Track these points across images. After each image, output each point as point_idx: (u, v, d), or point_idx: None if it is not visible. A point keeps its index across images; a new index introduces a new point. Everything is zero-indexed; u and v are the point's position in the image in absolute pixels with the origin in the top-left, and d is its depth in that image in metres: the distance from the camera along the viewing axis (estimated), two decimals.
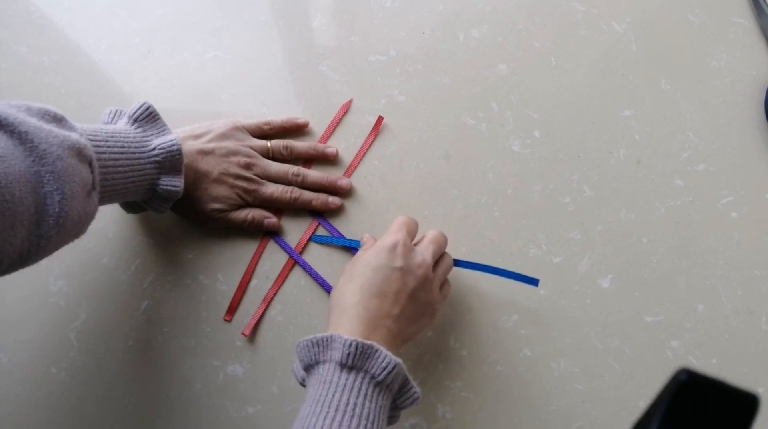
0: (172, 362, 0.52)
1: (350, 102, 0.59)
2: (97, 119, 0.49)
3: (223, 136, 0.53)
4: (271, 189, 0.54)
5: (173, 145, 0.47)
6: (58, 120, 0.40)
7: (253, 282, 0.54)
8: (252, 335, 0.53)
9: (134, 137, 0.46)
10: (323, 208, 0.55)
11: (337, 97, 0.59)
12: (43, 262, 0.40)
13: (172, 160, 0.47)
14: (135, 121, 0.47)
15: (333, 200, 0.55)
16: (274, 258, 0.55)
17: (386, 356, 0.40)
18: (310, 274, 0.54)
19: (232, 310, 0.53)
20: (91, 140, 0.42)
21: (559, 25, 0.61)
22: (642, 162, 0.56)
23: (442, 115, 0.58)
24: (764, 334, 0.52)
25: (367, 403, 0.38)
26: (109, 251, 0.55)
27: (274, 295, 0.54)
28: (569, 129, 0.57)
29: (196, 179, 0.51)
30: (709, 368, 0.51)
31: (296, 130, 0.58)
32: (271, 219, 0.54)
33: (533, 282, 0.51)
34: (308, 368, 0.41)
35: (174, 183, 0.48)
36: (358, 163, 0.57)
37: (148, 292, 0.54)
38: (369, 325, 0.42)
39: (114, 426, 0.51)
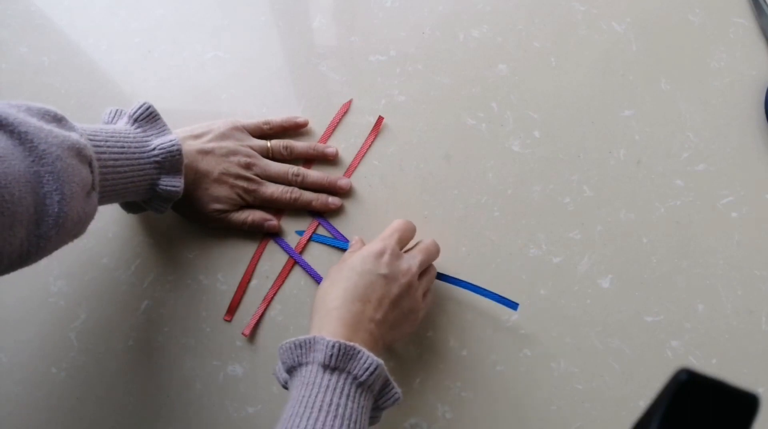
0: (172, 362, 0.52)
1: (350, 102, 0.59)
2: (97, 119, 0.49)
3: (223, 136, 0.53)
4: (271, 189, 0.54)
5: (173, 145, 0.47)
6: (58, 120, 0.40)
7: (253, 282, 0.54)
8: (252, 335, 0.53)
9: (134, 137, 0.46)
10: (323, 208, 0.55)
11: (337, 97, 0.59)
12: (43, 262, 0.40)
13: (172, 160, 0.47)
14: (135, 120, 0.47)
15: (333, 200, 0.55)
16: (274, 258, 0.55)
17: (368, 357, 0.40)
18: (310, 275, 0.54)
19: (232, 310, 0.53)
20: (90, 140, 0.42)
21: (559, 25, 0.61)
22: (642, 162, 0.56)
23: (442, 115, 0.58)
24: (764, 334, 0.52)
25: (349, 404, 0.39)
26: (109, 251, 0.55)
27: (274, 295, 0.54)
28: (569, 129, 0.57)
29: (196, 179, 0.51)
30: (709, 368, 0.51)
31: (296, 129, 0.58)
32: (272, 221, 0.54)
33: (513, 306, 0.51)
34: (291, 370, 0.42)
35: (174, 183, 0.48)
36: (358, 163, 0.57)
37: (148, 292, 0.54)
38: (351, 327, 0.42)
39: (114, 426, 0.51)
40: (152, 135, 0.47)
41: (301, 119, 0.57)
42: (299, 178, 0.55)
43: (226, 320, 0.53)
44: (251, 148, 0.54)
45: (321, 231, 0.55)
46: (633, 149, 0.56)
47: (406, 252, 0.49)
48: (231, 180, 0.52)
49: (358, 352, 0.40)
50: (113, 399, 0.52)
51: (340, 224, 0.55)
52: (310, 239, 0.55)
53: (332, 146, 0.57)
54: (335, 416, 0.38)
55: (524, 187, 0.56)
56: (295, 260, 0.54)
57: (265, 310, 0.53)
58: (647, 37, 0.60)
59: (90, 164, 0.40)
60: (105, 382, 0.52)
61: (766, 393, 0.51)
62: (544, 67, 0.59)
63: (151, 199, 0.48)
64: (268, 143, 0.55)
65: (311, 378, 0.39)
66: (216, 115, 0.57)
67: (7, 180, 0.34)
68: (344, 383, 0.39)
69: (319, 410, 0.38)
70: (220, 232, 0.55)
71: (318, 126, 0.58)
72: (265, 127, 0.56)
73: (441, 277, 0.52)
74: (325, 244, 0.55)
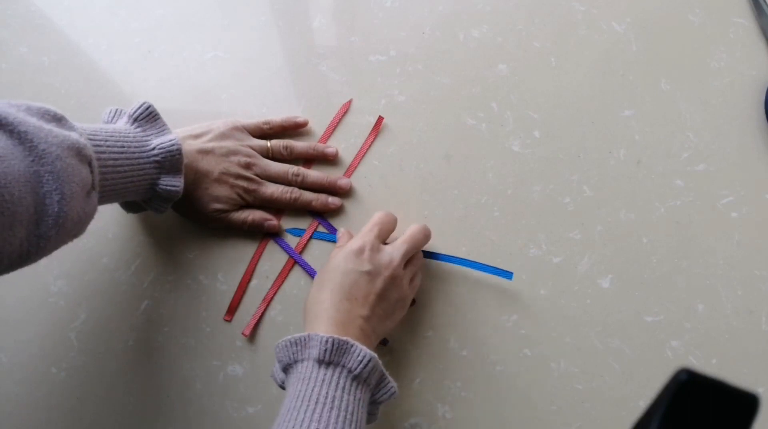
0: (172, 362, 0.52)
1: (350, 102, 0.59)
2: (97, 119, 0.49)
3: (223, 136, 0.53)
4: (271, 189, 0.54)
5: (173, 144, 0.47)
6: (58, 119, 0.40)
7: (253, 282, 0.54)
8: (252, 335, 0.53)
9: (134, 137, 0.46)
10: (323, 208, 0.55)
11: (337, 97, 0.59)
12: (43, 262, 0.40)
13: (171, 160, 0.47)
14: (135, 120, 0.47)
15: (333, 200, 0.55)
16: (274, 258, 0.55)
17: (362, 350, 0.41)
18: (310, 274, 0.54)
19: (232, 310, 0.53)
20: (90, 140, 0.42)
21: (559, 25, 0.61)
22: (642, 162, 0.56)
23: (442, 115, 0.58)
24: (764, 334, 0.51)
25: (345, 396, 0.40)
26: (109, 251, 0.55)
27: (274, 295, 0.54)
28: (569, 129, 0.57)
29: (196, 179, 0.51)
30: (709, 368, 0.51)
31: (295, 128, 0.58)
32: (272, 221, 0.54)
33: (507, 275, 0.51)
34: (287, 369, 0.43)
35: (174, 183, 0.48)
36: (358, 163, 0.57)
37: (148, 292, 0.54)
38: (342, 326, 0.43)
39: (114, 426, 0.51)
40: (152, 135, 0.47)
41: (301, 119, 0.57)
42: (299, 178, 0.55)
43: (226, 320, 0.53)
44: (251, 148, 0.54)
45: (321, 230, 0.55)
46: (633, 149, 0.56)
47: (392, 243, 0.49)
48: (231, 180, 0.52)
49: (352, 345, 0.41)
50: (113, 399, 0.52)
51: (340, 224, 0.55)
52: (310, 239, 0.55)
53: (332, 146, 0.57)
54: (332, 408, 0.38)
55: (524, 187, 0.56)
56: (295, 260, 0.54)
57: (265, 310, 0.53)
58: (647, 37, 0.60)
59: (90, 164, 0.40)
60: (105, 382, 0.52)
61: (766, 393, 0.51)
62: (544, 67, 0.59)
63: (151, 199, 0.48)
64: (268, 143, 0.55)
65: (307, 373, 0.40)
66: (216, 115, 0.57)
67: (6, 180, 0.34)
68: (339, 377, 0.40)
69: (316, 403, 0.38)
70: (220, 232, 0.55)
71: (318, 126, 0.58)
72: (265, 127, 0.56)
73: (430, 255, 0.52)
74: (325, 240, 0.55)
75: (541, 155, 0.57)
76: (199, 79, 0.60)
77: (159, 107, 0.49)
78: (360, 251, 0.46)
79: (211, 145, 0.52)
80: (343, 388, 0.40)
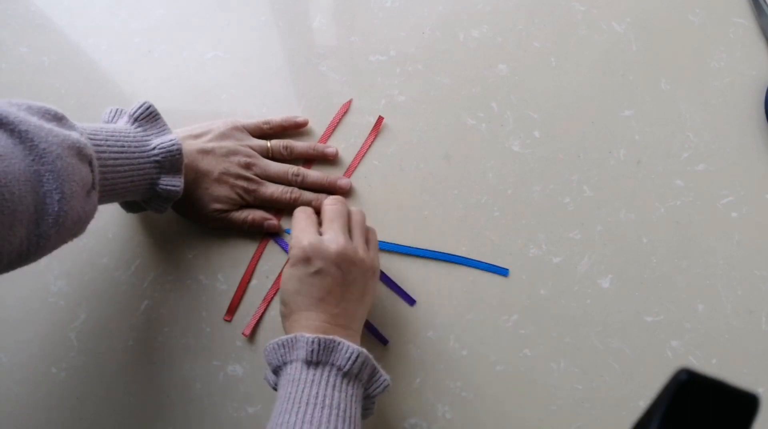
0: (172, 362, 0.52)
1: (350, 102, 0.59)
2: (97, 119, 0.49)
3: (223, 136, 0.53)
4: (271, 189, 0.54)
5: (173, 144, 0.47)
6: (59, 119, 0.40)
7: (253, 282, 0.54)
8: (252, 335, 0.53)
9: (134, 136, 0.46)
10: None
11: (337, 97, 0.59)
12: (43, 262, 0.40)
13: (172, 160, 0.47)
14: (135, 120, 0.47)
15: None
16: (274, 258, 0.55)
17: (349, 347, 0.41)
18: None
19: (232, 310, 0.53)
20: (91, 139, 0.42)
21: (559, 25, 0.61)
22: (642, 162, 0.56)
23: (442, 115, 0.58)
24: (764, 334, 0.52)
25: (336, 394, 0.40)
26: (108, 251, 0.55)
27: (274, 294, 0.53)
28: (569, 129, 0.57)
29: (196, 179, 0.51)
30: (709, 368, 0.51)
31: (295, 128, 0.58)
32: (272, 221, 0.54)
33: (503, 271, 0.52)
34: (277, 371, 0.43)
35: (174, 183, 0.48)
36: (358, 163, 0.57)
37: (148, 292, 0.54)
38: (324, 323, 0.43)
39: (114, 426, 0.51)
40: (152, 134, 0.47)
41: (300, 119, 0.57)
42: (299, 178, 0.55)
43: (226, 320, 0.53)
44: (251, 148, 0.54)
45: None
46: (633, 149, 0.56)
47: (324, 228, 0.48)
48: (231, 180, 0.52)
49: (338, 343, 0.41)
50: (113, 399, 0.52)
51: None
52: None
53: (332, 146, 0.57)
54: (323, 407, 0.38)
55: (524, 187, 0.56)
56: None
57: (265, 310, 0.53)
58: (647, 37, 0.60)
59: (90, 163, 0.40)
60: (105, 382, 0.52)
61: (766, 393, 0.51)
62: (544, 67, 0.59)
63: (151, 199, 0.48)
64: (268, 143, 0.55)
65: (296, 375, 0.40)
66: (216, 115, 0.57)
67: (6, 179, 0.34)
68: (329, 375, 0.40)
69: (306, 404, 0.39)
70: (220, 232, 0.55)
71: (318, 126, 0.58)
72: (265, 126, 0.56)
73: (428, 254, 0.53)
74: None
75: (541, 155, 0.57)
76: (199, 79, 0.60)
77: (159, 107, 0.49)
78: (303, 257, 0.45)
79: (211, 145, 0.52)
80: (334, 386, 0.40)
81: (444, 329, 0.52)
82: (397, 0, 0.62)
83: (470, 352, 0.52)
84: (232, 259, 0.54)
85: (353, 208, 0.50)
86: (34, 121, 0.37)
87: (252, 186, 0.53)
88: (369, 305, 0.47)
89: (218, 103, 0.59)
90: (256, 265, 0.54)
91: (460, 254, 0.54)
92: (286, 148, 0.56)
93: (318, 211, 0.55)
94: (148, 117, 0.48)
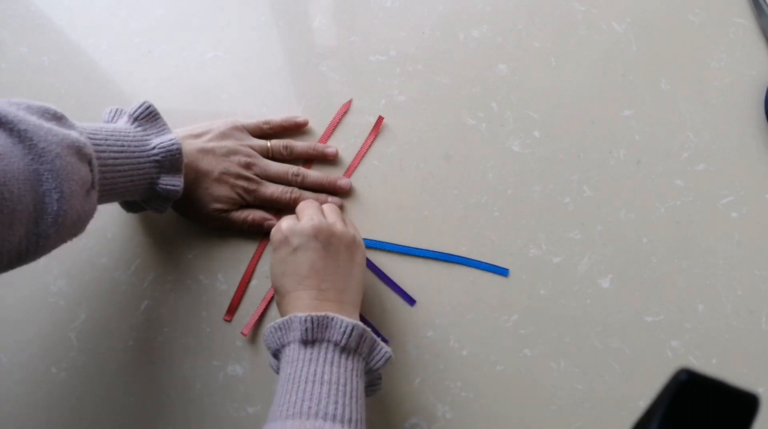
0: (172, 362, 0.52)
1: (350, 102, 0.59)
2: (97, 119, 0.49)
3: (223, 136, 0.53)
4: (271, 189, 0.54)
5: (173, 144, 0.47)
6: (58, 118, 0.40)
7: (253, 282, 0.54)
8: (252, 335, 0.53)
9: (134, 136, 0.46)
10: None
11: (337, 97, 0.59)
12: (43, 262, 0.40)
13: (171, 160, 0.47)
14: (135, 119, 0.47)
15: (333, 201, 0.55)
16: None
17: (343, 321, 0.41)
18: None
19: (232, 310, 0.53)
20: (90, 139, 0.42)
21: (559, 25, 0.61)
22: (642, 162, 0.56)
23: (442, 115, 0.58)
24: (764, 334, 0.51)
25: (334, 369, 0.40)
26: (108, 251, 0.55)
27: (274, 294, 0.53)
28: (569, 129, 0.57)
29: (197, 178, 0.51)
30: (709, 368, 0.51)
31: (295, 128, 0.58)
32: (272, 221, 0.54)
33: (503, 271, 0.52)
34: (276, 354, 0.43)
35: (174, 182, 0.48)
36: (358, 163, 0.57)
37: (148, 292, 0.54)
38: (315, 300, 0.44)
39: (114, 426, 0.51)
40: (152, 134, 0.47)
41: (300, 119, 0.57)
42: (299, 178, 0.55)
43: (226, 320, 0.53)
44: (251, 147, 0.54)
45: None
46: (633, 149, 0.56)
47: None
48: (231, 180, 0.52)
49: (332, 319, 0.41)
50: (113, 399, 0.52)
51: None
52: None
53: (332, 146, 0.57)
54: (321, 383, 0.39)
55: (524, 187, 0.56)
56: None
57: (265, 309, 0.53)
58: (647, 37, 0.60)
59: (89, 163, 0.40)
60: (105, 382, 0.52)
61: (766, 393, 0.51)
62: (544, 67, 0.59)
63: (150, 199, 0.48)
64: (268, 143, 0.55)
65: (294, 355, 0.41)
66: (216, 115, 0.57)
67: (6, 178, 0.34)
68: (326, 352, 0.41)
69: (306, 382, 0.39)
70: (220, 232, 0.55)
71: (318, 126, 0.58)
72: (265, 126, 0.56)
73: (428, 254, 0.52)
74: None
75: (541, 155, 0.57)
76: (199, 79, 0.60)
77: (159, 107, 0.49)
78: (283, 240, 0.46)
79: (211, 144, 0.52)
80: (332, 361, 0.40)
81: (444, 329, 0.52)
82: (397, 0, 0.62)
83: (470, 352, 0.52)
84: (232, 259, 0.54)
85: (332, 198, 0.54)
86: (34, 120, 0.37)
87: (252, 186, 0.53)
88: (361, 279, 0.47)
89: (218, 103, 0.59)
90: (256, 265, 0.54)
91: (460, 254, 0.54)
92: (286, 147, 0.56)
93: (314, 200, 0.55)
94: (148, 116, 0.48)
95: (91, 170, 0.41)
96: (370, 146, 0.57)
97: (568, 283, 0.53)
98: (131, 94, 0.60)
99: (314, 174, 0.55)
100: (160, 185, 0.47)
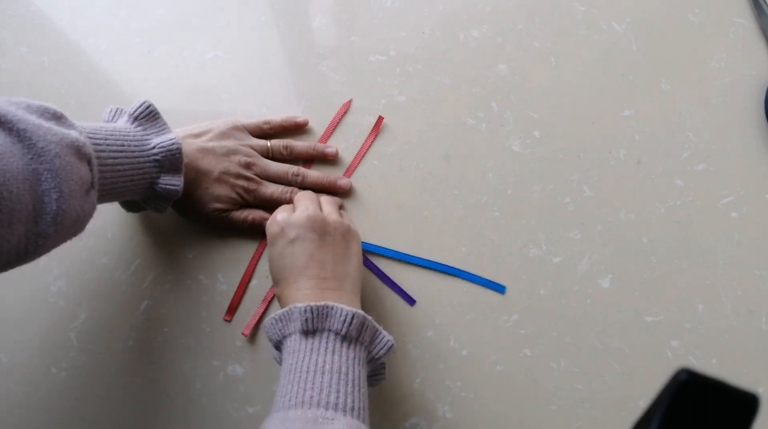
0: (172, 362, 0.52)
1: (350, 102, 0.59)
2: (97, 119, 0.49)
3: (223, 135, 0.53)
4: (271, 189, 0.54)
5: (173, 143, 0.47)
6: (58, 118, 0.40)
7: (253, 282, 0.54)
8: (252, 335, 0.53)
9: (134, 136, 0.46)
10: None
11: (337, 97, 0.59)
12: (43, 262, 0.40)
13: (171, 159, 0.47)
14: (135, 119, 0.47)
15: None
16: None
17: (342, 309, 0.42)
18: None
19: (232, 310, 0.53)
20: (90, 138, 0.42)
21: (559, 25, 0.61)
22: (642, 162, 0.56)
23: (442, 115, 0.58)
24: (764, 334, 0.51)
25: (336, 358, 0.40)
26: (108, 251, 0.55)
27: (274, 294, 0.53)
28: (569, 129, 0.57)
29: (197, 178, 0.51)
30: (709, 368, 0.51)
31: (295, 128, 0.58)
32: None
33: (500, 288, 0.52)
34: (278, 346, 0.43)
35: (173, 182, 0.48)
36: (358, 163, 0.57)
37: (148, 292, 0.54)
38: (315, 289, 0.44)
39: (114, 426, 0.51)
40: (152, 134, 0.47)
41: (300, 119, 0.57)
42: (299, 178, 0.55)
43: (226, 320, 0.53)
44: (251, 147, 0.54)
45: None
46: (633, 149, 0.56)
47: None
48: (231, 179, 0.52)
49: (332, 308, 0.42)
50: (113, 399, 0.52)
51: None
52: None
53: (332, 146, 0.57)
54: (323, 373, 0.39)
55: (524, 187, 0.56)
56: None
57: (266, 310, 0.53)
58: (647, 37, 0.60)
59: (89, 162, 0.40)
60: (105, 382, 0.52)
61: (766, 393, 0.50)
62: (544, 67, 0.59)
63: (150, 198, 0.48)
64: (268, 143, 0.55)
65: (295, 346, 0.41)
66: (216, 115, 0.57)
67: (5, 177, 0.34)
68: (327, 341, 0.41)
69: (307, 372, 0.39)
70: (220, 232, 0.55)
71: (318, 126, 0.58)
72: (265, 126, 0.56)
73: (425, 263, 0.52)
74: None
75: (541, 155, 0.57)
76: (199, 79, 0.60)
77: (159, 107, 0.49)
78: (279, 233, 0.46)
79: (211, 144, 0.52)
80: (333, 351, 0.40)
81: (444, 329, 0.52)
82: (397, 0, 0.62)
83: (470, 352, 0.52)
84: (232, 259, 0.54)
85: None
86: (33, 119, 0.37)
87: (252, 186, 0.53)
88: (358, 267, 0.48)
89: (218, 103, 0.59)
90: (256, 265, 0.54)
91: (460, 255, 0.54)
92: (286, 147, 0.56)
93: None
94: (148, 116, 0.48)
95: (91, 170, 0.41)
96: (370, 146, 0.57)
97: (568, 283, 0.53)
98: (131, 94, 0.60)
99: (314, 174, 0.55)
100: (160, 185, 0.47)
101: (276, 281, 0.47)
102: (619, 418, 0.50)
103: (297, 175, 0.55)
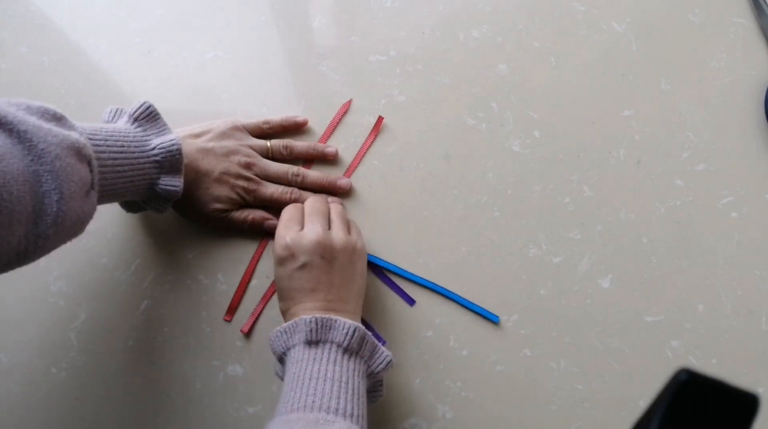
0: (172, 362, 0.52)
1: (350, 102, 0.59)
2: (97, 119, 0.49)
3: (223, 135, 0.53)
4: (271, 189, 0.54)
5: (173, 144, 0.47)
6: (58, 119, 0.40)
7: (253, 282, 0.54)
8: (252, 335, 0.53)
9: (134, 136, 0.46)
10: None
11: (337, 97, 0.59)
12: (43, 263, 0.40)
13: (171, 160, 0.47)
14: (135, 120, 0.47)
15: (333, 201, 0.55)
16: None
17: (346, 323, 0.43)
18: None
19: (232, 310, 0.53)
20: (90, 139, 0.42)
21: (559, 25, 0.61)
22: (642, 162, 0.56)
23: (442, 115, 0.58)
24: (764, 334, 0.51)
25: (337, 368, 0.41)
26: (108, 251, 0.55)
27: (273, 293, 0.53)
28: (569, 129, 0.57)
29: (197, 178, 0.51)
30: (709, 368, 0.51)
31: (295, 128, 0.58)
32: (272, 221, 0.54)
33: (493, 318, 0.52)
34: (282, 359, 0.44)
35: (173, 183, 0.48)
36: (358, 163, 0.57)
37: (148, 292, 0.54)
38: (320, 310, 0.45)
39: (114, 426, 0.51)
40: (152, 134, 0.47)
41: (300, 118, 0.57)
42: (299, 178, 0.55)
43: (226, 320, 0.53)
44: (251, 147, 0.54)
45: None
46: (633, 149, 0.56)
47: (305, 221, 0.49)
48: (231, 180, 0.52)
49: (336, 321, 0.43)
50: (113, 399, 0.52)
51: None
52: None
53: (332, 146, 0.57)
54: (325, 380, 0.40)
55: (524, 187, 0.56)
56: None
57: (263, 308, 0.53)
58: (647, 37, 0.60)
59: (89, 163, 0.40)
60: (105, 382, 0.52)
61: (766, 393, 0.50)
62: (544, 67, 0.59)
63: (150, 199, 0.48)
64: (268, 143, 0.55)
65: (299, 356, 0.42)
66: (216, 115, 0.57)
67: (5, 179, 0.34)
68: (329, 352, 0.42)
69: (310, 379, 0.40)
70: (219, 231, 0.55)
71: (318, 126, 0.58)
72: (264, 126, 0.56)
73: (421, 281, 0.53)
74: None
75: (541, 155, 0.57)
76: (199, 79, 0.60)
77: (159, 107, 0.48)
78: (289, 256, 0.46)
79: (211, 144, 0.52)
80: (335, 361, 0.42)
81: (444, 329, 0.52)
82: (397, 0, 0.62)
83: (470, 352, 0.52)
84: (232, 259, 0.54)
85: (336, 200, 0.54)
86: (33, 120, 0.37)
87: (252, 186, 0.53)
88: (362, 285, 0.49)
89: (218, 103, 0.59)
90: (256, 265, 0.54)
91: (460, 255, 0.54)
92: (286, 147, 0.56)
93: (323, 195, 0.55)
94: (148, 117, 0.48)
95: (91, 171, 0.41)
96: (369, 146, 0.57)
97: (568, 283, 0.53)
98: (131, 94, 0.60)
99: (314, 174, 0.55)
100: (160, 186, 0.47)
101: (282, 300, 0.47)
102: (619, 418, 0.50)
103: (297, 175, 0.55)
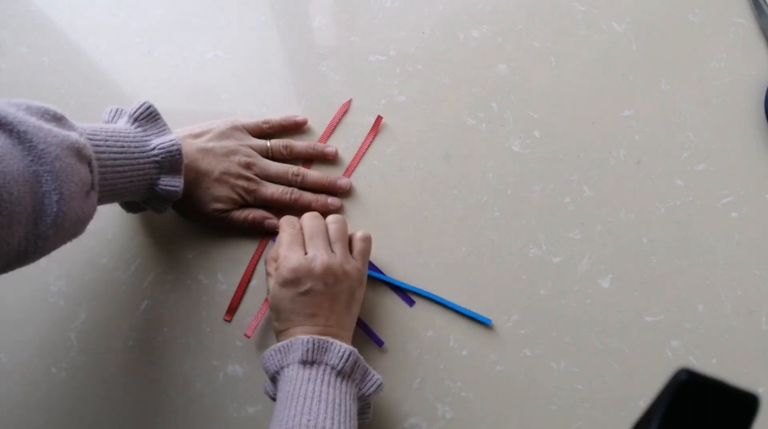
0: (172, 362, 0.52)
1: (350, 102, 0.59)
2: (97, 119, 0.49)
3: (223, 135, 0.53)
4: (271, 189, 0.54)
5: (173, 144, 0.47)
6: (58, 119, 0.40)
7: (253, 282, 0.54)
8: (252, 336, 0.53)
9: (134, 137, 0.46)
10: (323, 209, 0.55)
11: (337, 97, 0.59)
12: (43, 263, 0.40)
13: (171, 160, 0.47)
14: (135, 120, 0.47)
15: (332, 201, 0.55)
16: None
17: (341, 346, 0.44)
18: None
19: (232, 310, 0.53)
20: (90, 139, 0.42)
21: (559, 25, 0.61)
22: (642, 162, 0.56)
23: (442, 115, 0.58)
24: (764, 334, 0.51)
25: (331, 390, 0.42)
26: (108, 251, 0.55)
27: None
28: (569, 129, 0.57)
29: (197, 178, 0.51)
30: (709, 368, 0.51)
31: (295, 128, 0.58)
32: (272, 220, 0.54)
33: (486, 321, 0.52)
34: (275, 378, 0.44)
35: (173, 183, 0.48)
36: (358, 163, 0.57)
37: (148, 292, 0.54)
38: (317, 335, 0.45)
39: (114, 426, 0.51)
40: (152, 134, 0.47)
41: (300, 118, 0.57)
42: (299, 178, 0.55)
43: (226, 320, 0.53)
44: (251, 147, 0.54)
45: None
46: (633, 149, 0.56)
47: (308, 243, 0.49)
48: (231, 180, 0.52)
49: (332, 343, 0.43)
50: (113, 399, 0.52)
51: None
52: None
53: (332, 146, 0.57)
54: (319, 401, 0.40)
55: (524, 187, 0.56)
56: None
57: (267, 310, 0.53)
58: (647, 37, 0.60)
59: (89, 164, 0.40)
60: (105, 382, 0.52)
61: (766, 393, 0.50)
62: (544, 67, 0.59)
63: (150, 199, 0.48)
64: (268, 143, 0.55)
65: (293, 375, 0.42)
66: (216, 115, 0.57)
67: (5, 179, 0.34)
68: (323, 373, 0.42)
69: (304, 399, 0.41)
70: (219, 231, 0.55)
71: (318, 126, 0.58)
72: (264, 126, 0.56)
73: (416, 290, 0.53)
74: None
75: (541, 155, 0.57)
76: (199, 79, 0.60)
77: (159, 107, 0.49)
78: (292, 280, 0.46)
79: (211, 144, 0.52)
80: (328, 383, 0.42)
81: (444, 329, 0.52)
82: (397, 0, 0.62)
83: (470, 352, 0.52)
84: (232, 259, 0.54)
85: (331, 218, 0.50)
86: (33, 121, 0.37)
87: (252, 186, 0.53)
88: (357, 311, 0.49)
89: (218, 103, 0.59)
90: (256, 265, 0.54)
91: (460, 255, 0.54)
92: (286, 147, 0.56)
93: (318, 212, 0.55)
94: (148, 117, 0.48)
95: (91, 171, 0.40)
96: (369, 146, 0.57)
97: (568, 283, 0.53)
98: (131, 94, 0.60)
99: (314, 174, 0.55)
100: (160, 186, 0.47)
101: (279, 320, 0.47)
102: (619, 418, 0.50)
103: (297, 175, 0.55)
